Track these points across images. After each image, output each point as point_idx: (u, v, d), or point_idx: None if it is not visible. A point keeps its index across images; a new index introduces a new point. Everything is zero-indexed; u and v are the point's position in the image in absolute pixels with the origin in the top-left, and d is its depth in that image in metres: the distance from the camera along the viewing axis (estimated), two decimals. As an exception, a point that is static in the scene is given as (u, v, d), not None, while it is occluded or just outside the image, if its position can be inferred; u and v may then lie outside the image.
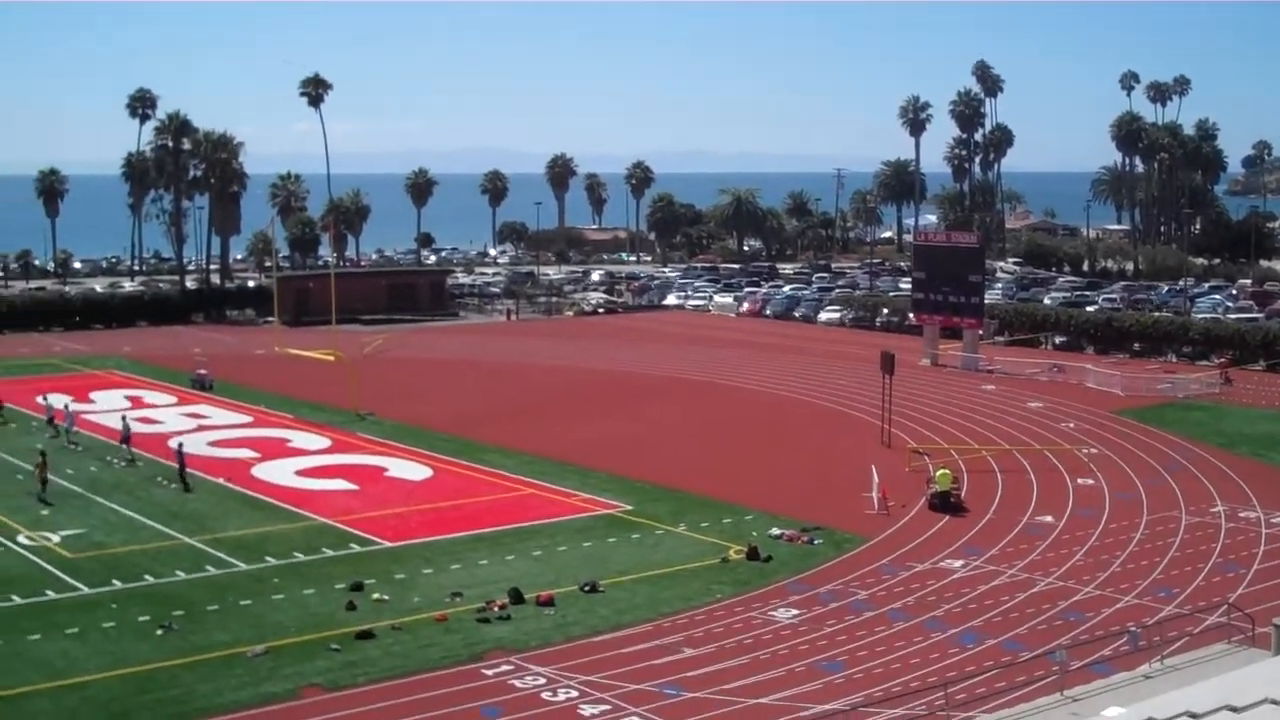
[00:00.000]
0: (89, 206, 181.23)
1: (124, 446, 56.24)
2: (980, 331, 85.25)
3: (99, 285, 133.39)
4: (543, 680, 31.52)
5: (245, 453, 58.05)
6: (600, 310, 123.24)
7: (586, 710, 29.81)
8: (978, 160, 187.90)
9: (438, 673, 32.19)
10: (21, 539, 43.90)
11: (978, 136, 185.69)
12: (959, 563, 41.32)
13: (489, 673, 32.12)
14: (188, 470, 52.15)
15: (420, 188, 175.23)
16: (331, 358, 71.86)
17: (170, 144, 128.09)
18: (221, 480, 52.39)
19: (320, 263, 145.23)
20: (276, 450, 58.91)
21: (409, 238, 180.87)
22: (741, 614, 36.41)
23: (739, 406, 70.50)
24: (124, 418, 59.50)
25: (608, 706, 29.98)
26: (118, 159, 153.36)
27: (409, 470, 54.86)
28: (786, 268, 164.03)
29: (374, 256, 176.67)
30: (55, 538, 44.06)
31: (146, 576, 39.95)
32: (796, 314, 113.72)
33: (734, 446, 59.99)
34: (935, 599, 37.73)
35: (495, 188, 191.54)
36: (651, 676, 31.66)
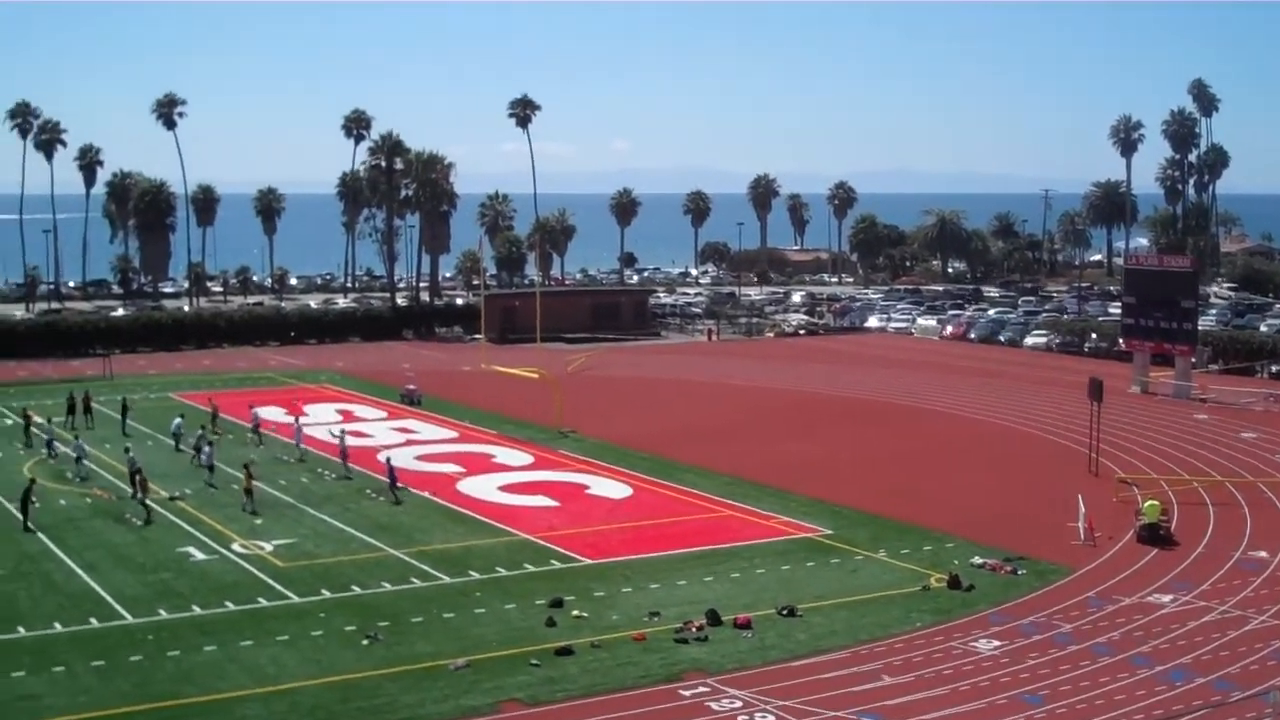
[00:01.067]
0: (305, 224, 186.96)
1: (338, 460, 57.92)
2: (1193, 359, 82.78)
3: (313, 301, 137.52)
4: (739, 703, 31.48)
5: (451, 467, 59.21)
6: (801, 332, 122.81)
7: (783, 735, 29.68)
8: (1192, 181, 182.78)
9: (635, 692, 32.37)
10: (236, 547, 45.46)
11: (1192, 157, 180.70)
12: (1168, 597, 40.12)
13: (686, 694, 32.19)
14: (398, 484, 53.55)
15: (624, 207, 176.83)
16: (536, 375, 72.91)
17: (383, 163, 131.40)
18: (427, 494, 53.54)
19: (526, 281, 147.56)
20: (481, 465, 59.97)
21: (613, 257, 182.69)
22: (942, 643, 35.88)
23: (941, 431, 69.57)
24: (341, 433, 61.21)
25: (804, 732, 29.81)
26: (333, 178, 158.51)
27: (609, 488, 55.33)
28: (991, 290, 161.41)
29: (578, 276, 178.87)
30: (268, 546, 45.52)
31: (354, 587, 41.00)
32: (1001, 338, 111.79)
33: (935, 472, 59.19)
34: (1142, 634, 36.68)
35: (698, 208, 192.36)
36: (849, 703, 31.39)
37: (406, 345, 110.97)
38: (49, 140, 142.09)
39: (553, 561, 44.09)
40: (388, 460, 55.39)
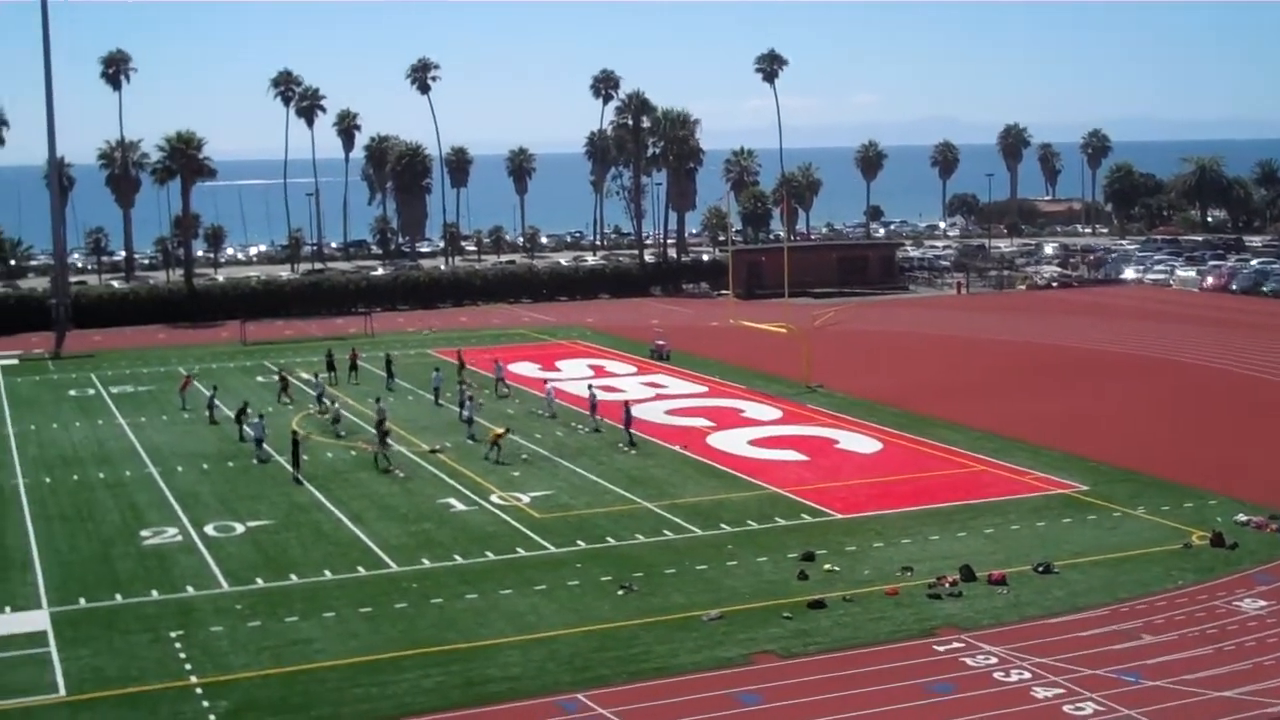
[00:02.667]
0: (555, 184, 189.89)
1: (590, 414, 59.11)
2: None
3: (564, 259, 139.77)
4: (994, 660, 31.19)
5: (700, 421, 59.78)
6: (1054, 284, 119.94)
7: (1040, 693, 29.30)
8: None
9: (888, 646, 32.33)
10: (494, 499, 46.77)
11: None
12: None
13: (940, 649, 32.03)
14: (633, 431, 55.05)
15: (870, 161, 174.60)
16: (783, 330, 72.93)
17: (630, 122, 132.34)
18: (678, 448, 54.18)
19: (772, 237, 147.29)
20: (730, 420, 60.39)
21: (859, 211, 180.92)
22: (1205, 602, 34.92)
23: (1199, 385, 67.36)
24: (590, 387, 62.39)
25: (1061, 690, 29.38)
26: (581, 138, 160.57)
27: (859, 443, 55.17)
28: (1254, 240, 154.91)
29: (824, 230, 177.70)
30: (525, 498, 46.71)
31: (608, 539, 41.82)
32: (1265, 289, 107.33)
33: (1195, 427, 57.43)
34: None
35: (945, 159, 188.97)
36: (1108, 662, 30.81)
37: (655, 301, 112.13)
38: (309, 107, 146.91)
39: (803, 515, 44.23)
40: (625, 405, 57.12)
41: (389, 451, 52.81)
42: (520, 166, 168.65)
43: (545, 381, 67.41)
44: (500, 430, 53.38)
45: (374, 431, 55.18)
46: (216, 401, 62.79)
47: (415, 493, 48.02)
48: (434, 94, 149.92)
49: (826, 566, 38.35)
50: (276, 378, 70.23)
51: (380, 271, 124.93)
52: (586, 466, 51.41)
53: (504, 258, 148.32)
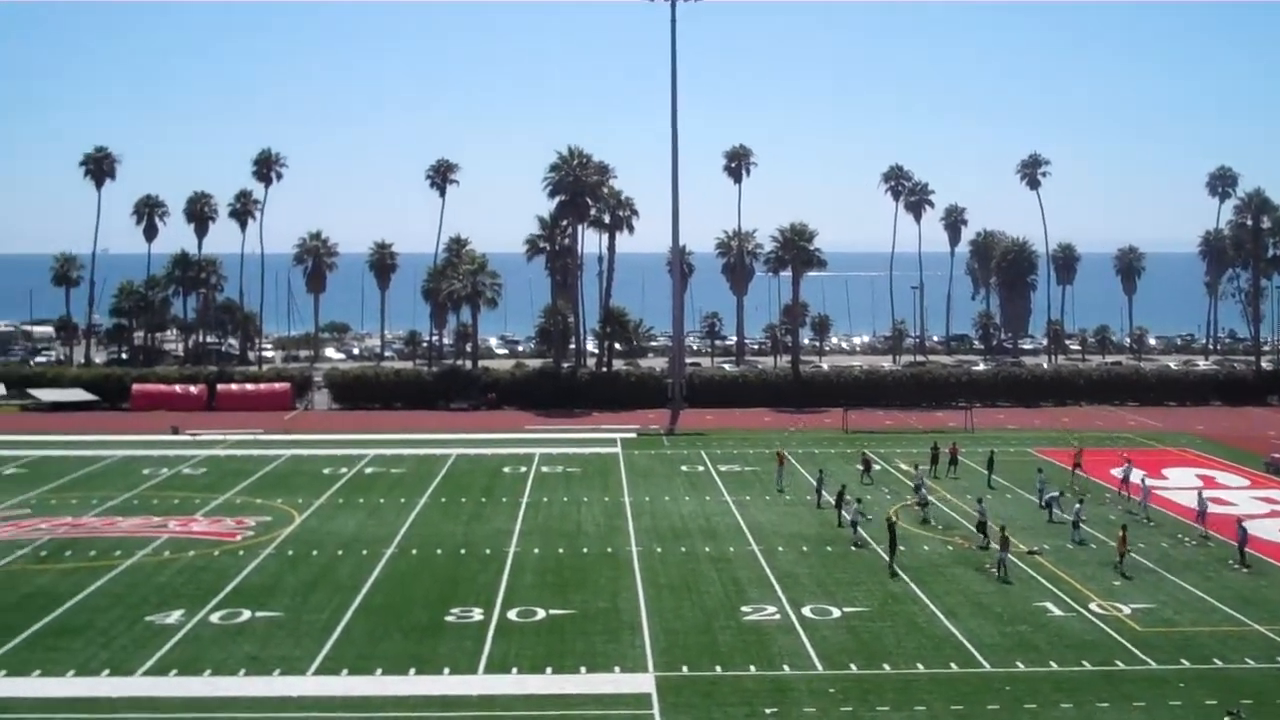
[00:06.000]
0: (1166, 284, 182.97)
1: (1198, 526, 56.47)
2: None
3: (1172, 362, 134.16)
4: None
5: (1321, 544, 55.72)
6: None
7: None
8: None
9: None
10: (1093, 606, 45.43)
11: None
12: None
13: None
14: (1247, 550, 51.65)
15: None
16: None
17: (1249, 222, 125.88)
18: (1295, 570, 50.77)
19: None
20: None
21: None
22: None
23: None
24: (1199, 495, 59.62)
25: None
26: (1195, 236, 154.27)
27: None
28: None
29: None
30: (1125, 609, 45.10)
31: (1215, 660, 39.70)
32: None
33: None
34: None
35: None
36: None
37: (1272, 411, 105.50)
38: (918, 201, 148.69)
39: None
40: (1239, 523, 53.68)
41: (988, 550, 52.51)
42: (1129, 265, 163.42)
43: (1132, 482, 64.95)
44: (1123, 539, 51.83)
45: (973, 529, 55.11)
46: (822, 488, 64.53)
47: (1011, 593, 47.42)
48: (1043, 189, 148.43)
49: None
50: (860, 462, 71.75)
51: (982, 366, 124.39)
52: (1193, 581, 49.02)
53: (1109, 358, 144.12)
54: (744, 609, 45.06)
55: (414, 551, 53.91)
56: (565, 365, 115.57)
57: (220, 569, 50.70)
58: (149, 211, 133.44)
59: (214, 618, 43.87)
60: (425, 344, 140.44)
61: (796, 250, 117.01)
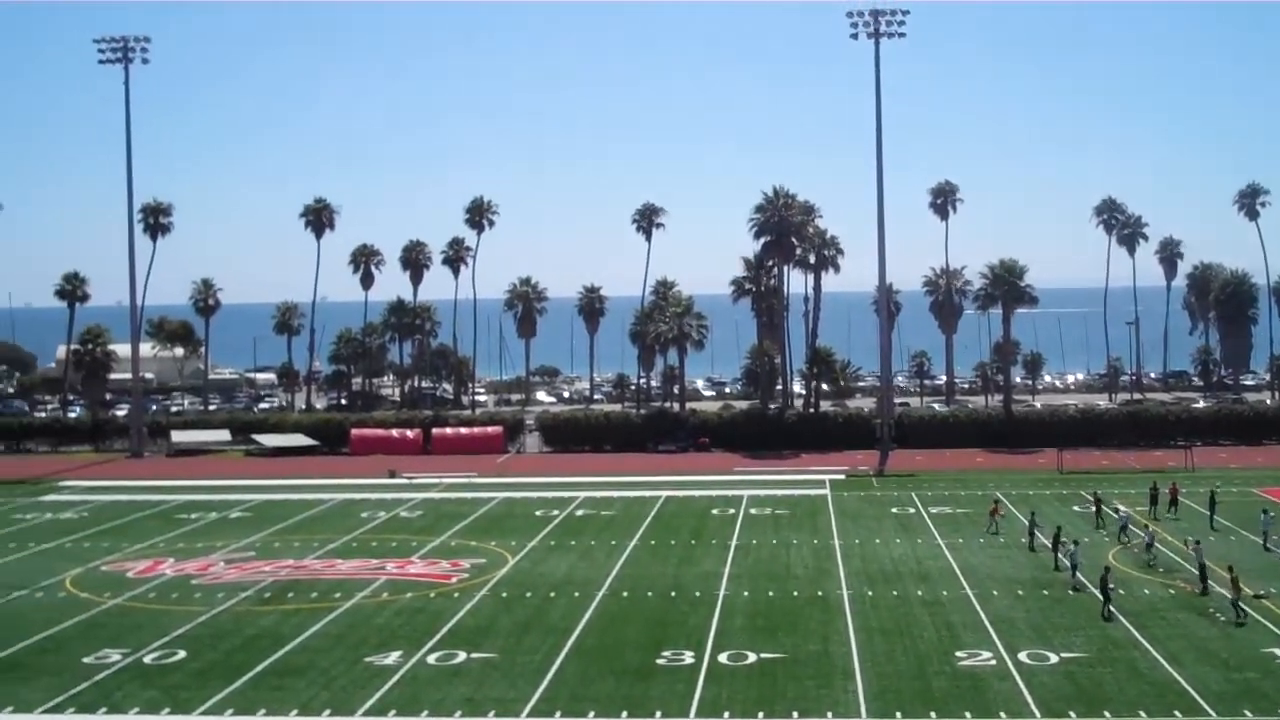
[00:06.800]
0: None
1: None
2: None
3: None
4: None
5: None
6: None
7: None
8: None
9: None
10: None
11: None
12: None
13: None
14: None
15: None
16: None
17: None
18: None
19: None
20: None
21: None
22: None
23: None
24: None
25: None
26: None
27: None
28: None
29: None
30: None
31: None
32: None
33: None
34: None
35: None
36: None
37: None
38: (1131, 235, 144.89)
39: None
40: None
41: (1207, 594, 50.93)
42: None
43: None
44: None
45: (1195, 571, 53.49)
46: (1035, 530, 63.28)
47: (1238, 638, 45.83)
48: (1262, 219, 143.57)
49: None
50: (1092, 504, 70.14)
51: (1201, 404, 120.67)
52: None
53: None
54: (958, 654, 44.37)
55: (625, 593, 54.38)
56: (772, 406, 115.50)
57: (436, 611, 51.79)
58: (365, 260, 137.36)
59: (431, 659, 44.81)
60: (633, 386, 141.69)
61: (1006, 286, 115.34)
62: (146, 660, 45.05)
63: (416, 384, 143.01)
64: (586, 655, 45.00)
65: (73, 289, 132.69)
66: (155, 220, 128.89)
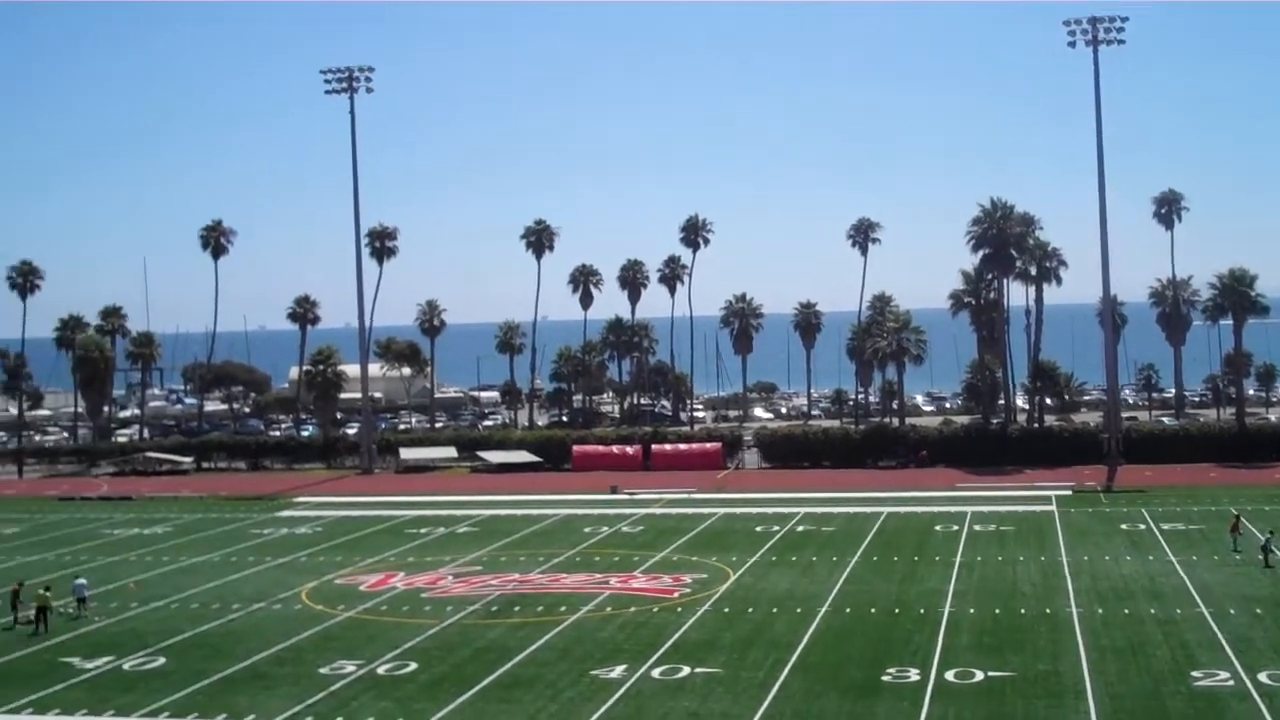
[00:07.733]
0: None
1: None
2: None
3: None
4: None
5: None
6: None
7: None
8: None
9: None
10: None
11: None
12: None
13: None
14: None
15: None
16: None
17: None
18: None
19: None
20: None
21: None
22: None
23: None
24: None
25: None
26: None
27: None
28: None
29: None
30: None
31: None
32: None
33: None
34: None
35: None
36: None
37: None
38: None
39: None
40: None
41: None
42: None
43: None
44: None
45: None
46: (1273, 546, 61.10)
47: None
48: None
49: None
50: None
51: None
52: None
53: None
54: (1194, 674, 43.06)
55: (847, 610, 54.10)
56: (994, 421, 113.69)
57: (659, 625, 52.23)
58: (584, 279, 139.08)
59: (655, 673, 45.19)
60: (851, 402, 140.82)
61: (1237, 297, 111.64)
62: (380, 671, 46.35)
63: (635, 400, 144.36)
64: (810, 671, 44.89)
65: (304, 312, 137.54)
66: (381, 244, 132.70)
